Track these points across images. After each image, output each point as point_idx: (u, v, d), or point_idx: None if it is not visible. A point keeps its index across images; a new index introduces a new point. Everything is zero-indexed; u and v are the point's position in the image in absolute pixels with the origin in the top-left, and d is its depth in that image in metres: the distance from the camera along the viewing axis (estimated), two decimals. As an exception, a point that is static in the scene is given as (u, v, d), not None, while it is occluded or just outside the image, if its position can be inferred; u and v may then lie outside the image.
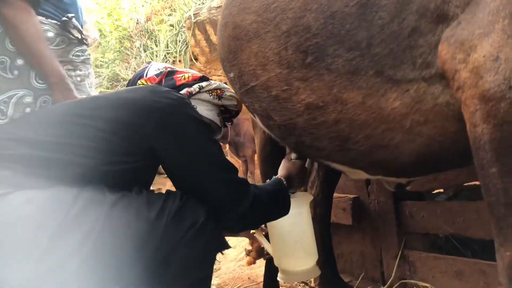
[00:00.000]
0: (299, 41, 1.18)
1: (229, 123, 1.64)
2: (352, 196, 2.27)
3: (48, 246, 0.95)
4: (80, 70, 1.72)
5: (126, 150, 1.15)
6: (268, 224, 1.58)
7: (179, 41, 6.15)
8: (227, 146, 5.78)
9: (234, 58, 1.44)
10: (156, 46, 6.34)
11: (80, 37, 1.68)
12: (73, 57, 1.69)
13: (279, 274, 1.65)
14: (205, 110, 1.50)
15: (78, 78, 1.70)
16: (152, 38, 6.50)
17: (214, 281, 2.91)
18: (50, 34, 1.60)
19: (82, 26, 1.75)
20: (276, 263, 1.66)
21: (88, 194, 1.03)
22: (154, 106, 1.19)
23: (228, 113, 1.59)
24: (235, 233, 1.49)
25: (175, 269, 1.09)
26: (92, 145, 1.12)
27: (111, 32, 6.86)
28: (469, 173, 1.91)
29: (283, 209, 1.43)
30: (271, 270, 1.98)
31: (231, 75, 1.50)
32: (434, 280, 1.98)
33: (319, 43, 1.15)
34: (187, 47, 6.02)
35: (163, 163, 1.23)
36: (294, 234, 1.56)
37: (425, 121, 1.07)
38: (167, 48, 6.23)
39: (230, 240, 3.34)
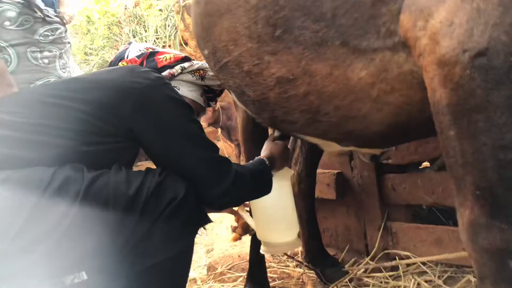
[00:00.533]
0: (268, 14, 1.20)
1: (213, 103, 1.66)
2: (335, 171, 2.30)
3: (24, 226, 0.97)
4: (50, 51, 1.68)
5: (105, 131, 1.16)
6: None
7: (168, 25, 6.11)
8: (219, 130, 5.80)
9: (207, 35, 1.45)
10: (145, 31, 6.30)
11: (42, 16, 1.63)
12: (40, 38, 1.64)
13: (261, 247, 1.69)
14: (187, 91, 1.52)
15: (46, 60, 1.66)
16: (141, 24, 6.45)
17: (207, 260, 2.97)
18: (11, 14, 1.54)
19: (53, 4, 1.71)
20: (258, 236, 1.70)
21: (66, 173, 1.06)
22: (132, 87, 1.21)
23: (211, 93, 1.60)
24: (218, 210, 1.52)
25: (155, 243, 1.12)
26: (70, 126, 1.14)
27: (100, 18, 6.80)
28: (447, 144, 1.95)
29: (265, 188, 1.46)
30: (256, 245, 2.03)
31: (206, 52, 1.52)
32: (415, 249, 2.04)
33: (286, 15, 1.16)
34: (177, 31, 5.98)
35: (143, 145, 1.24)
36: (275, 207, 1.60)
37: (391, 90, 1.09)
38: (156, 33, 6.19)
39: (223, 222, 3.36)
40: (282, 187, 1.61)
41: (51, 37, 1.68)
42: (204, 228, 1.34)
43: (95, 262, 1.09)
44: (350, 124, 1.21)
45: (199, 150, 1.25)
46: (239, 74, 1.36)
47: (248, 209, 1.77)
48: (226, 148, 6.25)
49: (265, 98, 1.32)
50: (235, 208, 1.74)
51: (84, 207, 1.02)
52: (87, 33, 6.88)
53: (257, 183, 1.41)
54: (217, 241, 3.76)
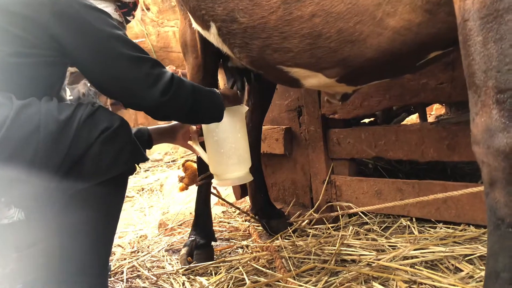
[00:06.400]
0: None
1: (131, 17, 1.61)
2: (284, 126, 2.33)
3: None
4: None
5: (27, 41, 1.12)
6: (204, 131, 1.61)
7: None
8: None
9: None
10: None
11: None
12: None
13: (213, 180, 1.70)
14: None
15: None
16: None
17: (159, 220, 2.97)
18: None
19: None
20: (210, 169, 1.69)
21: None
22: None
23: (125, 7, 1.56)
24: (163, 118, 1.49)
25: (87, 168, 1.12)
26: None
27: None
28: (390, 98, 2.01)
29: (212, 109, 1.42)
30: (202, 195, 2.04)
31: None
32: (357, 201, 2.10)
33: None
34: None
35: (70, 55, 1.19)
36: (228, 141, 1.59)
37: (394, 12, 1.09)
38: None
39: (179, 186, 3.26)
40: (235, 122, 1.60)
41: None
42: (139, 167, 1.32)
43: (27, 188, 1.07)
44: (347, 49, 1.21)
45: (127, 51, 1.20)
46: None
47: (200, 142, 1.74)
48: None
49: (264, 22, 1.29)
50: (189, 142, 1.72)
51: (12, 132, 1.00)
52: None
53: (201, 98, 1.36)
54: (173, 204, 3.78)
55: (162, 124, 1.73)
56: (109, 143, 1.14)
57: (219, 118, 1.45)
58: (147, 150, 1.53)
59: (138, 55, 1.21)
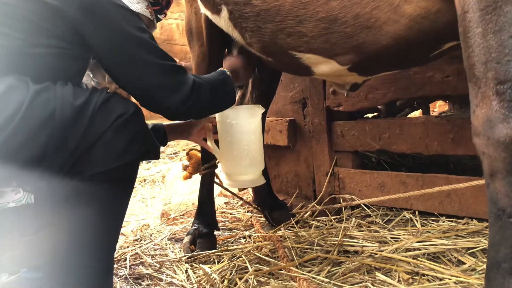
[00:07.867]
0: None
1: (163, 16, 1.61)
2: (288, 118, 2.33)
3: None
4: None
5: (51, 32, 1.12)
6: (218, 131, 1.60)
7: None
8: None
9: None
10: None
11: None
12: None
13: (225, 180, 1.69)
14: (131, 4, 1.45)
15: None
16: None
17: (161, 210, 2.98)
18: None
19: None
20: (223, 169, 1.69)
21: (9, 82, 1.02)
22: None
23: (158, 5, 1.56)
24: (182, 120, 1.51)
25: (98, 153, 1.11)
26: (15, 24, 1.09)
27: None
28: (396, 91, 2.01)
29: (227, 99, 1.46)
30: (206, 184, 2.05)
31: None
32: (360, 193, 2.11)
33: None
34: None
35: (93, 51, 1.21)
36: (242, 143, 1.56)
37: (412, 0, 1.09)
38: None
39: (181, 176, 3.27)
40: (250, 123, 1.58)
41: None
42: (153, 157, 1.32)
43: (38, 172, 1.07)
44: (363, 35, 1.21)
45: (153, 57, 1.22)
46: None
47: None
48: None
49: (278, 5, 1.27)
50: (204, 138, 1.71)
51: (28, 116, 1.00)
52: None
53: (218, 94, 1.40)
54: (175, 195, 3.79)
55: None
56: (122, 130, 1.13)
57: (231, 105, 1.49)
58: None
59: (160, 63, 1.22)
